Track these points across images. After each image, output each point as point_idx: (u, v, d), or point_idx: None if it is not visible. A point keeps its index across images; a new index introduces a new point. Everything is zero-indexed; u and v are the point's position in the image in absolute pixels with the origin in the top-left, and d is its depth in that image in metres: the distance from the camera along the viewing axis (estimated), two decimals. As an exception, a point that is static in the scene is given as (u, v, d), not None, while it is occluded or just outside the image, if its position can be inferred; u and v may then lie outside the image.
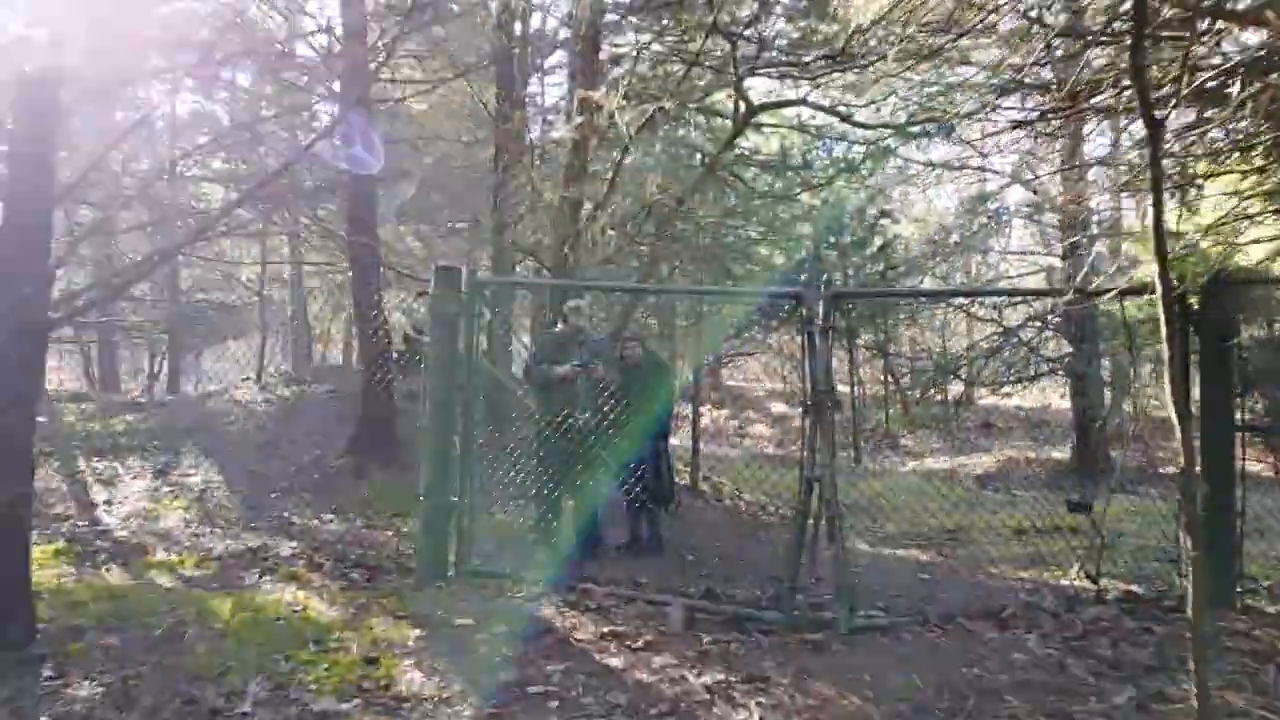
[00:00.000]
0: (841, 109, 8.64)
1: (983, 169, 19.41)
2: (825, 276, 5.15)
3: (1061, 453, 22.11)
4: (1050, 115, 5.18)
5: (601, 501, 7.01)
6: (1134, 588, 5.63)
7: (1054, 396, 23.71)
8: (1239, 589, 5.17)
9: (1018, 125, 5.31)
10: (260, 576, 5.95)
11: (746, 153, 10.05)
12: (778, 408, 30.39)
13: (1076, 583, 5.88)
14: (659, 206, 8.64)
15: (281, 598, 5.41)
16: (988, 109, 10.19)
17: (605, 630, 4.82)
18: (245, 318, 19.76)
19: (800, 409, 5.19)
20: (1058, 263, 19.49)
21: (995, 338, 18.66)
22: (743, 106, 8.66)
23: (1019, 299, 7.91)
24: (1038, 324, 18.61)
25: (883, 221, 14.96)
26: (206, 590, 5.60)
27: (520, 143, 10.02)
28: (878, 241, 14.41)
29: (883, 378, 26.62)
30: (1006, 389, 18.61)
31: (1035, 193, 17.57)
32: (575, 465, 6.54)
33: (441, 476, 5.93)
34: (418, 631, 4.79)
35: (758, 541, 8.00)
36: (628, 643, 4.65)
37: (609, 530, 7.35)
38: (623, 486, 6.94)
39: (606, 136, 8.57)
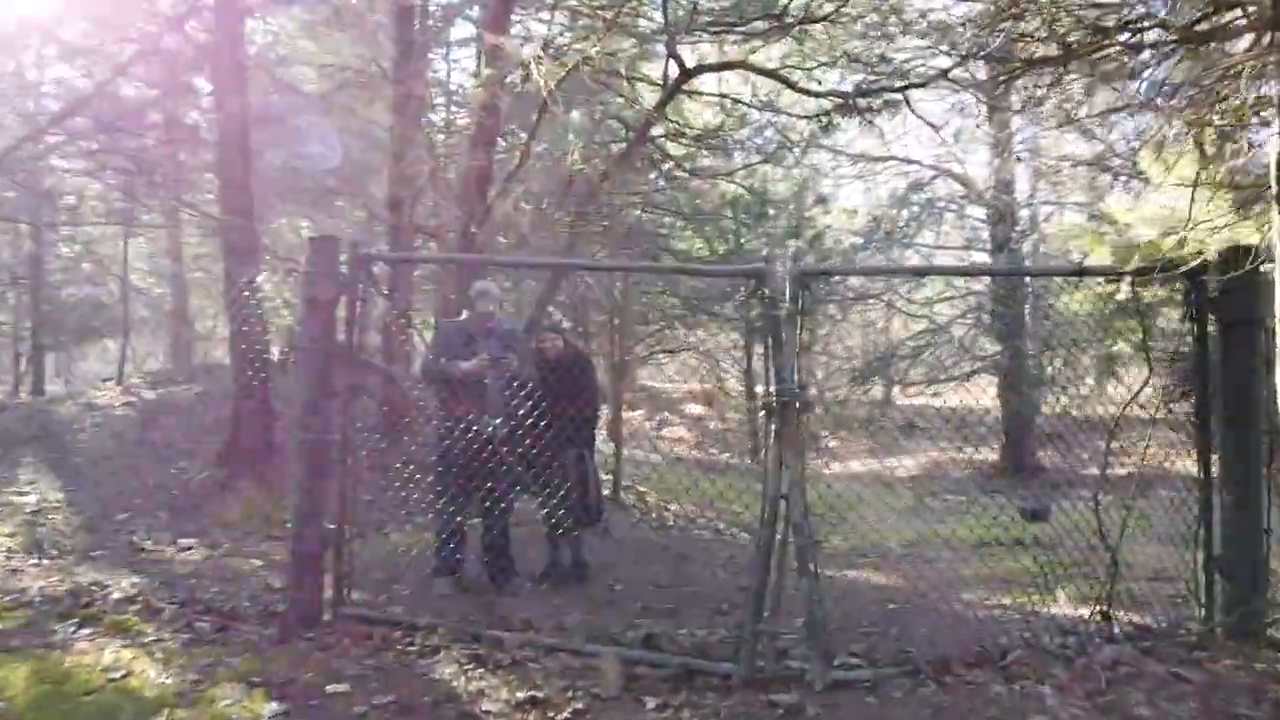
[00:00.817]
0: (785, 73, 7.78)
1: (908, 159, 19.08)
2: (794, 249, 4.19)
3: (988, 453, 22.00)
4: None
5: (515, 523, 6.01)
6: (1141, 618, 4.89)
7: (974, 395, 23.51)
8: (1270, 619, 4.47)
9: (1027, 66, 4.48)
10: (78, 629, 4.75)
11: (678, 126, 9.15)
12: (694, 409, 29.78)
13: (1071, 612, 5.15)
14: (580, 182, 7.65)
15: (100, 660, 4.25)
16: (938, 77, 9.58)
17: (522, 697, 3.83)
18: (119, 313, 18.02)
19: (761, 411, 4.30)
20: (986, 258, 19.29)
21: (925, 335, 18.35)
22: (675, 71, 7.74)
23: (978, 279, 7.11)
24: (970, 319, 18.40)
25: (815, 209, 14.27)
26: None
27: (418, 107, 8.89)
28: (809, 232, 13.71)
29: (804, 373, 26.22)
30: (935, 388, 18.25)
31: (964, 184, 17.22)
32: (483, 480, 5.52)
33: (315, 497, 4.85)
34: (275, 706, 3.73)
35: (696, 563, 7.09)
36: (551, 714, 3.67)
37: (525, 556, 6.35)
38: (541, 505, 5.95)
39: (520, 94, 7.53)
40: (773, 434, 4.22)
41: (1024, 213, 17.50)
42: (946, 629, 4.98)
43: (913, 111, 8.14)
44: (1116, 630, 4.58)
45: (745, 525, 9.97)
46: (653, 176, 8.97)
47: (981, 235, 19.18)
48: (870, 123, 9.12)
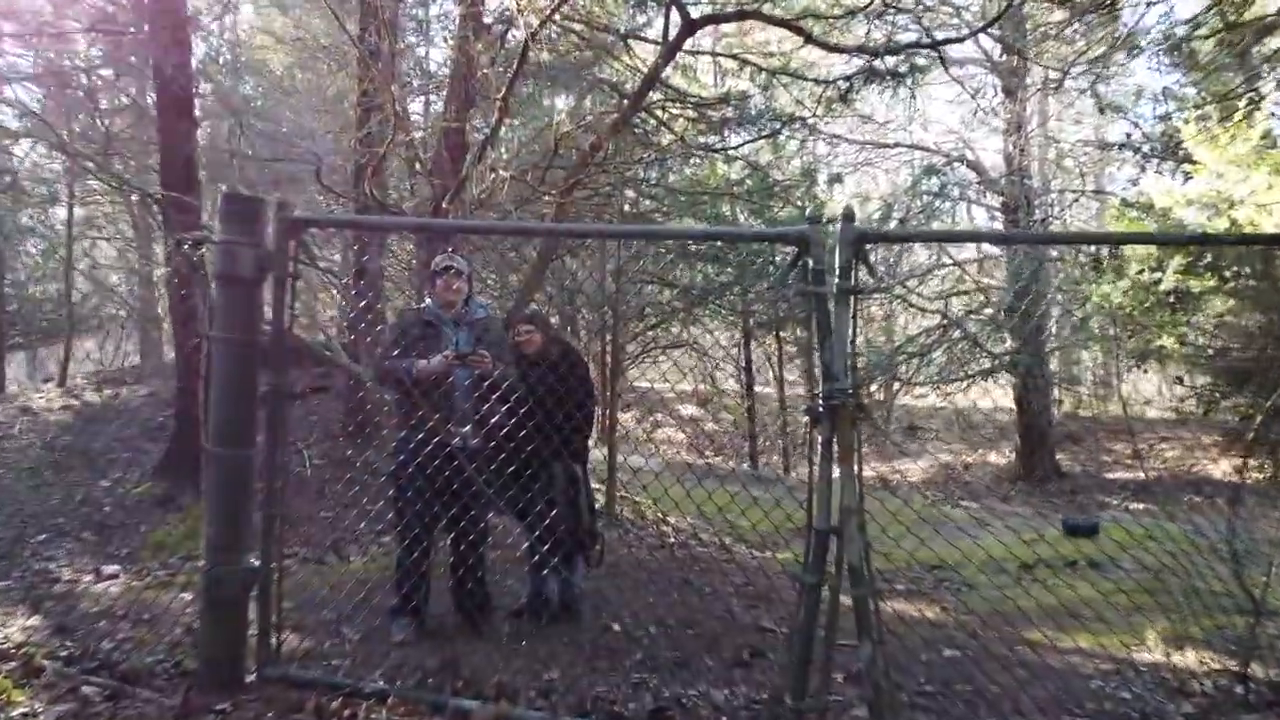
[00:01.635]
0: (803, 25, 6.83)
1: (916, 145, 18.19)
2: (848, 206, 3.20)
3: (1001, 456, 21.10)
4: None
5: (489, 550, 5.08)
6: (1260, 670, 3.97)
7: (989, 396, 22.39)
8: None
9: None
10: (-73, 697, 3.77)
11: (678, 94, 8.21)
12: (688, 410, 28.84)
13: (1166, 659, 4.25)
14: (569, 150, 6.71)
15: (-60, 746, 3.29)
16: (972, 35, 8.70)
17: (491, 803, 2.88)
18: (91, 311, 17.00)
19: (806, 418, 3.36)
20: (996, 249, 18.43)
21: (935, 331, 17.45)
22: (676, 23, 6.79)
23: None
24: (983, 316, 17.50)
25: (828, 189, 13.33)
26: None
27: (387, 75, 7.92)
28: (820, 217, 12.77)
29: (807, 374, 25.32)
30: (947, 388, 17.35)
31: (977, 170, 16.33)
32: (451, 503, 4.58)
33: (235, 527, 3.90)
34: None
35: (705, 593, 6.15)
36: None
37: (505, 586, 5.43)
38: (524, 530, 5.03)
39: (503, 50, 6.59)
40: (819, 448, 3.29)
41: (1044, 200, 16.63)
42: (1023, 685, 4.06)
43: (946, 70, 7.20)
44: (1253, 693, 3.66)
45: (752, 541, 9.05)
46: (649, 155, 8.00)
47: (994, 223, 18.39)
48: (895, 90, 8.23)
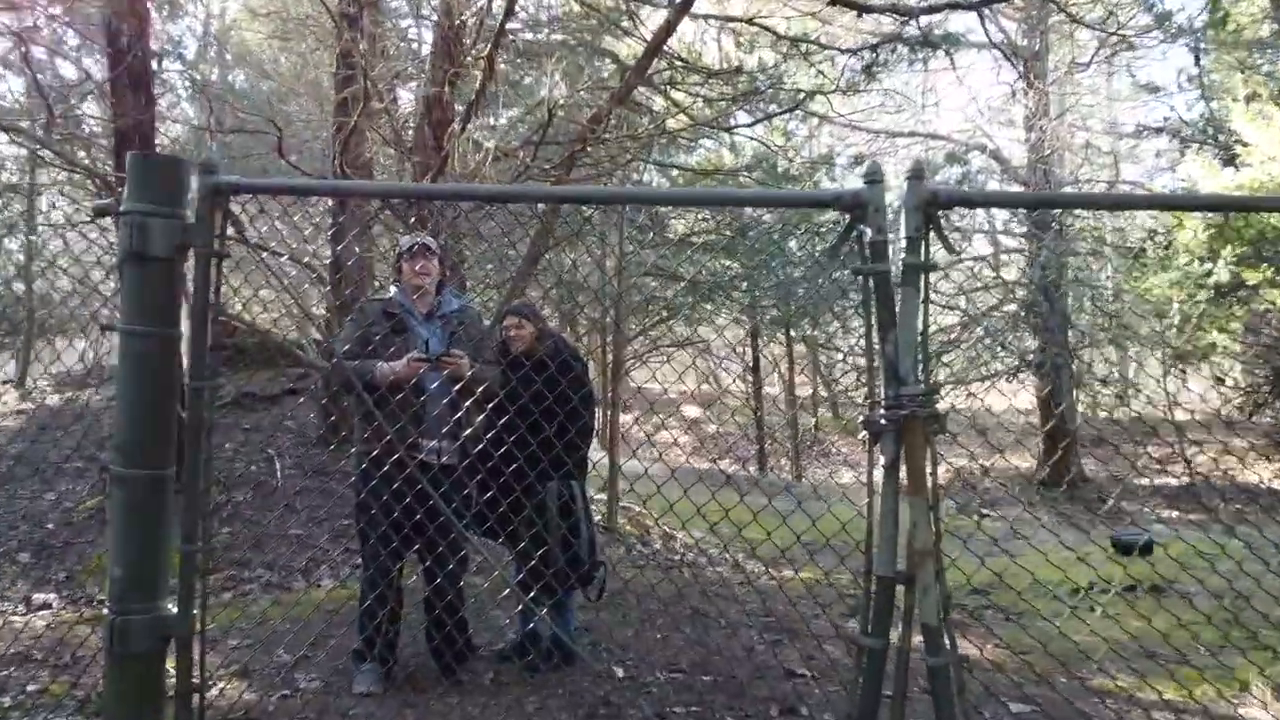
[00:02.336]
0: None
1: (934, 135, 17.47)
2: (916, 161, 2.44)
3: (1022, 459, 20.32)
4: None
5: (474, 570, 4.38)
6: None
7: (994, 395, 21.47)
8: None
9: None
10: None
11: (686, 65, 7.49)
12: (690, 411, 28.11)
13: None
14: (564, 125, 6.01)
15: None
16: None
17: None
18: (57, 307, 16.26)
19: (864, 430, 2.66)
20: (1016, 242, 17.69)
21: (954, 328, 16.72)
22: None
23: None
24: (1006, 312, 16.79)
25: (850, 171, 12.56)
26: None
27: (366, 47, 7.21)
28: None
29: (815, 372, 24.59)
30: (967, 389, 16.63)
31: (998, 160, 15.61)
32: (423, 526, 3.87)
33: (147, 566, 3.17)
34: None
35: (720, 625, 5.43)
36: None
37: (488, 621, 4.72)
38: (512, 559, 4.34)
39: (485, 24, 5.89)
40: (881, 470, 2.59)
41: (1068, 189, 15.87)
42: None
43: (987, 35, 6.49)
44: None
45: (765, 556, 8.34)
46: (655, 129, 7.27)
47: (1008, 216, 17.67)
48: (925, 62, 7.53)
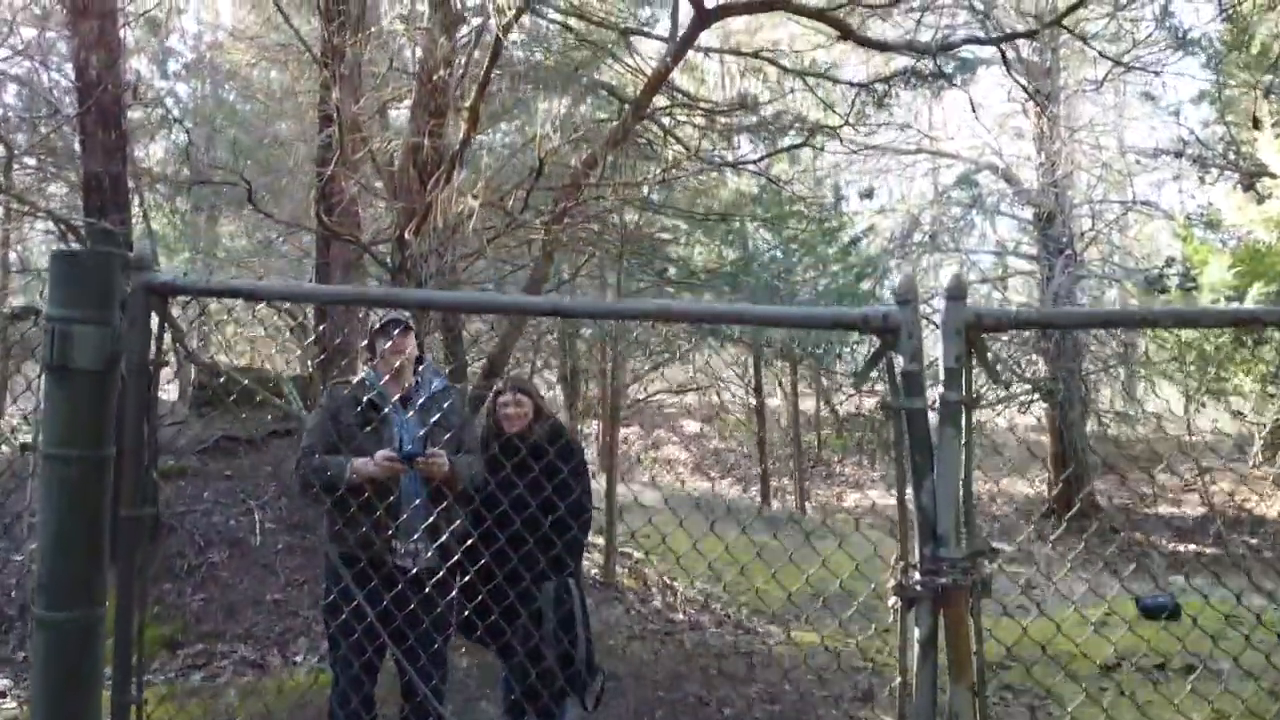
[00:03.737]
0: (839, 16, 5.75)
1: (939, 152, 17.08)
2: (955, 277, 2.04)
3: (1028, 485, 19.87)
4: None
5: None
6: None
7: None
8: None
9: None
10: None
11: (687, 99, 7.15)
12: (691, 426, 27.72)
13: None
14: (558, 169, 5.65)
15: None
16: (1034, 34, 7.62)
17: None
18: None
19: (893, 599, 2.29)
20: (1027, 264, 17.31)
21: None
22: (686, 14, 5.72)
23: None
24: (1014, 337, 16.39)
25: (860, 205, 12.22)
26: None
27: (351, 78, 6.87)
28: (843, 236, 11.66)
29: (818, 392, 24.20)
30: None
31: (1009, 180, 15.23)
32: (399, 638, 3.50)
33: (68, 694, 2.81)
34: None
35: (728, 705, 5.06)
36: None
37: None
38: (500, 661, 3.97)
39: (474, 51, 5.53)
40: (915, 647, 2.23)
41: (1079, 211, 15.50)
42: None
43: (1007, 70, 6.14)
44: None
45: (774, 608, 7.99)
46: (656, 173, 6.91)
47: (1024, 236, 17.31)
48: (939, 93, 7.19)
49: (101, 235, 6.88)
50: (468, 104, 4.84)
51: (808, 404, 23.00)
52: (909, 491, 2.32)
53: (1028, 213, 15.54)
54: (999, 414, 15.81)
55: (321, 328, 7.39)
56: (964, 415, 2.29)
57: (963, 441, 2.28)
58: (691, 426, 27.53)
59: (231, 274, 17.55)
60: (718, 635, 7.13)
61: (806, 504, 18.28)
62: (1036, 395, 15.38)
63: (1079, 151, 14.95)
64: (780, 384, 21.66)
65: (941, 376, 2.32)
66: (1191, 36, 11.26)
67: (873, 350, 2.37)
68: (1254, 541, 13.44)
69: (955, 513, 2.24)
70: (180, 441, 9.09)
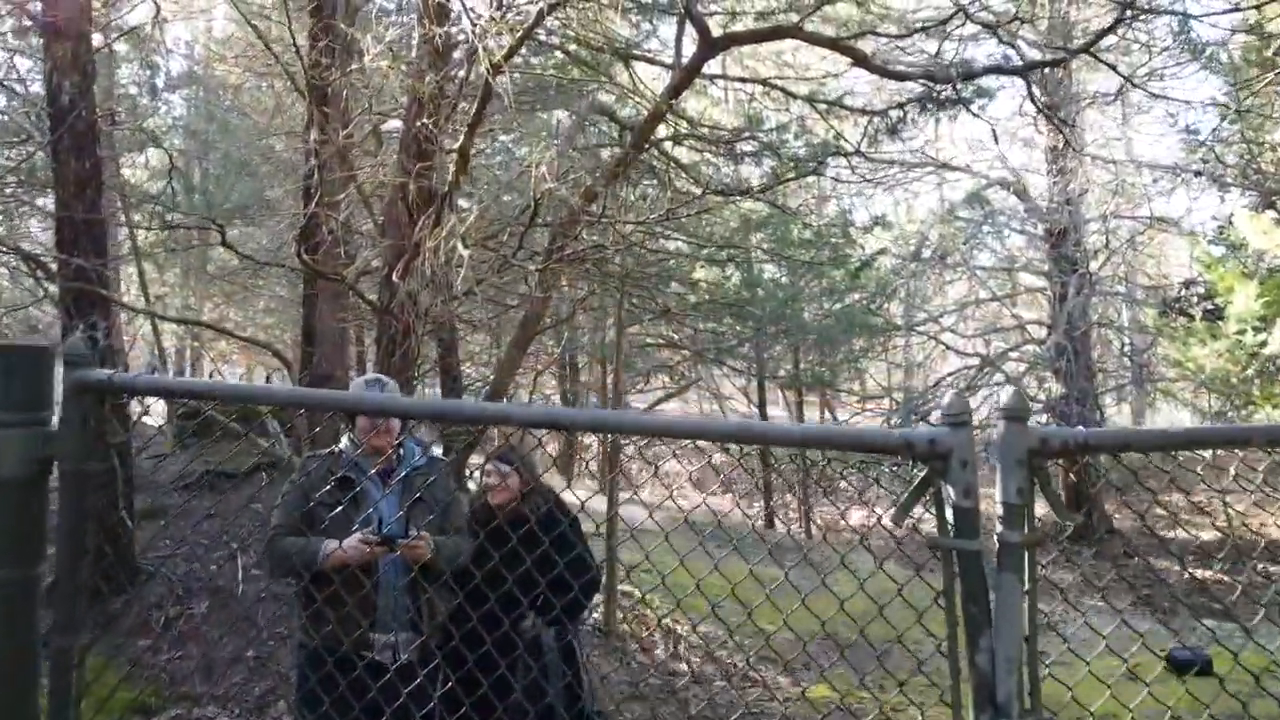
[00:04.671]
0: (848, 44, 5.43)
1: (945, 165, 16.73)
2: (1016, 394, 1.69)
3: (1040, 507, 19.25)
4: None
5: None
6: None
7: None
8: None
9: None
10: None
11: (691, 126, 6.82)
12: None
13: None
14: (555, 204, 5.33)
15: None
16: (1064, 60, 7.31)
17: None
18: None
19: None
20: (1038, 280, 16.97)
21: (969, 371, 16.01)
22: (690, 44, 5.40)
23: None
24: (1024, 352, 16.07)
25: (871, 231, 11.87)
26: None
27: (336, 110, 6.57)
28: (852, 260, 11.30)
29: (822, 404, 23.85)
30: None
31: (1020, 196, 14.89)
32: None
33: None
34: None
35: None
36: None
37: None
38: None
39: (464, 89, 5.22)
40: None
41: (1092, 228, 15.16)
42: None
43: (1032, 100, 5.83)
44: None
45: (783, 653, 7.63)
46: (657, 198, 6.60)
47: (1035, 253, 16.96)
48: (954, 118, 6.90)
49: (75, 273, 6.57)
50: (453, 149, 4.54)
51: (812, 412, 22.52)
52: (961, 648, 2.01)
53: (1038, 228, 15.19)
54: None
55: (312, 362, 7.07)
56: (1027, 558, 1.98)
57: (1025, 589, 1.97)
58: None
59: (221, 290, 17.28)
60: (724, 691, 6.79)
61: (813, 530, 17.95)
62: (1047, 413, 15.04)
63: (1092, 166, 14.61)
64: (783, 395, 21.26)
65: (998, 511, 2.00)
66: (1211, 51, 10.97)
67: (918, 477, 2.06)
68: (1274, 569, 13.09)
69: (1018, 676, 1.93)
70: (161, 476, 8.77)
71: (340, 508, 3.36)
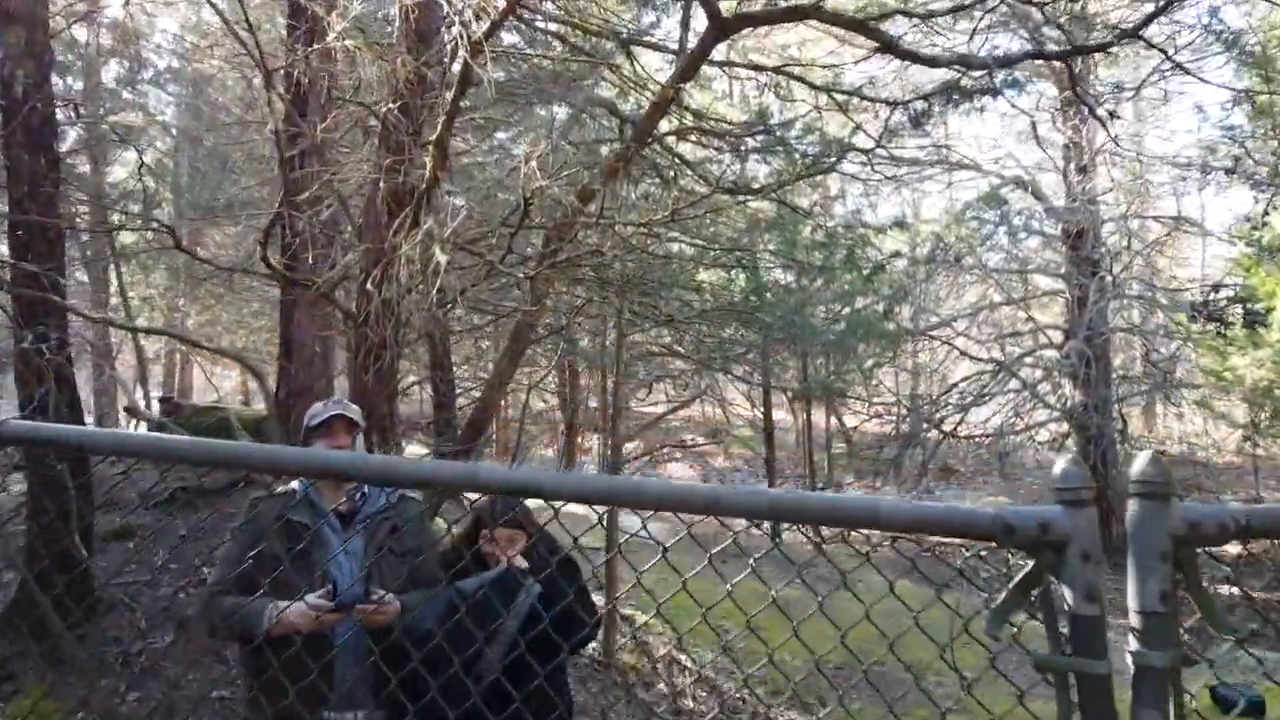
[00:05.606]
0: (874, 25, 4.93)
1: (957, 163, 16.21)
2: (1154, 460, 1.14)
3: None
4: None
5: None
6: None
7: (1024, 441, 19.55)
8: None
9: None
10: None
11: (697, 119, 6.32)
12: (695, 437, 26.80)
13: None
14: (548, 204, 4.84)
15: None
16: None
17: None
18: None
19: None
20: (1054, 283, 16.45)
21: (984, 376, 15.49)
22: (698, 27, 4.91)
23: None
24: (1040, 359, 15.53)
25: (888, 232, 11.34)
26: None
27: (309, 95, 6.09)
28: (863, 261, 10.76)
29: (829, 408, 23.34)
30: (1000, 443, 15.36)
31: (1036, 194, 14.37)
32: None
33: None
34: None
35: None
36: None
37: None
38: None
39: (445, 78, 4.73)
40: None
41: (1110, 229, 14.64)
42: None
43: (1073, 89, 5.34)
44: None
45: (793, 693, 7.17)
46: (661, 197, 6.11)
47: (1044, 255, 16.46)
48: (982, 110, 6.42)
49: (25, 280, 6.07)
50: (428, 141, 4.04)
51: (817, 414, 21.90)
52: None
53: (1056, 228, 14.66)
54: (1022, 444, 14.93)
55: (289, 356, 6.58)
56: (1172, 685, 1.48)
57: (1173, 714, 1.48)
58: (696, 437, 26.62)
59: (210, 291, 16.74)
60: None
61: (823, 545, 17.39)
62: (1065, 420, 14.52)
63: (1110, 165, 14.10)
64: (789, 400, 20.72)
65: (1132, 622, 1.51)
66: (1243, 42, 10.47)
67: (1021, 572, 1.56)
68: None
69: None
70: (129, 492, 8.27)
71: (290, 561, 2.86)
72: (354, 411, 3.21)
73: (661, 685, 7.07)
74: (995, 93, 5.94)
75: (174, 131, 14.67)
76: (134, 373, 16.47)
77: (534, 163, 3.87)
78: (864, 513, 1.46)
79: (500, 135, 8.39)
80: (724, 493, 1.50)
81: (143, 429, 8.59)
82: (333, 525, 3.04)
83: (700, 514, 1.55)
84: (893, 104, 5.94)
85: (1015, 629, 1.46)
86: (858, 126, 6.40)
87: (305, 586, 2.83)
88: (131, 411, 9.04)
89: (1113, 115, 6.72)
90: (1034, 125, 6.64)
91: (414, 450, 14.28)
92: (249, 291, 14.21)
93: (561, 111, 6.83)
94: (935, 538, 1.56)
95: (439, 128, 3.91)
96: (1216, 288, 11.20)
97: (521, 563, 3.14)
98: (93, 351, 16.66)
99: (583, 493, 1.58)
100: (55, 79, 8.34)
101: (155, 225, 5.99)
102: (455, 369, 11.06)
